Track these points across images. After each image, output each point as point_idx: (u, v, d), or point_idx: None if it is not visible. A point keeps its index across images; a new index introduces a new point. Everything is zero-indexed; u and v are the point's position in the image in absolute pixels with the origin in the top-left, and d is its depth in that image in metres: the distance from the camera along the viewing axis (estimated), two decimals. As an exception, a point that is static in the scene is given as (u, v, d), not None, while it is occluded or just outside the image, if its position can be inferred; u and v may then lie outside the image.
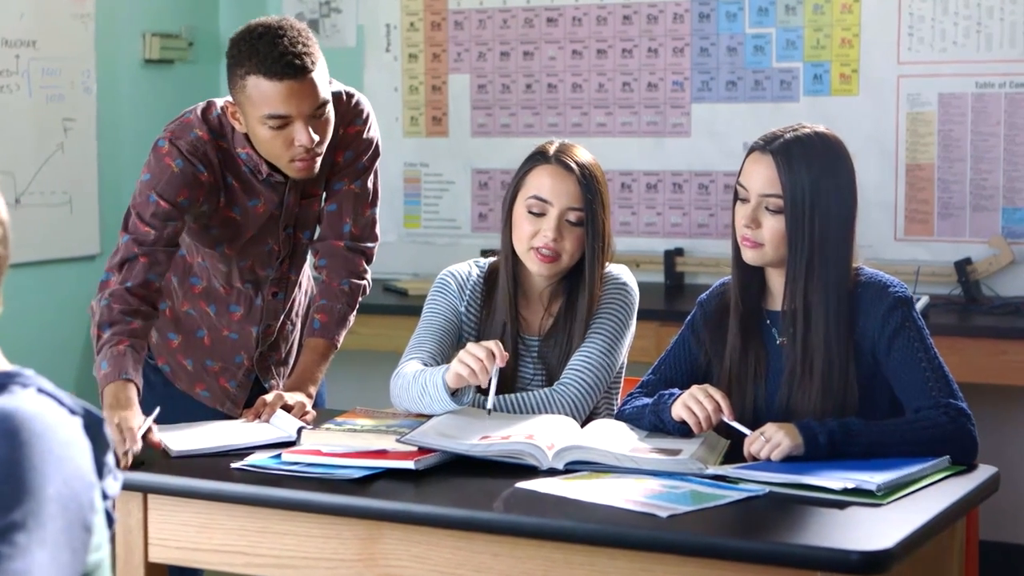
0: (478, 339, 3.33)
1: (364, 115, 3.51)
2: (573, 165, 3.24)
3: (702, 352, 3.20)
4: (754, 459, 2.91)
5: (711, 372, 3.19)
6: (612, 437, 3.04)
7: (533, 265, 3.26)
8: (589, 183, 3.23)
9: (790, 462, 2.86)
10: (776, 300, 3.12)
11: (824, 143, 3.07)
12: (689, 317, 3.25)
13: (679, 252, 5.59)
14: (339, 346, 3.56)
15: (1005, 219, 5.19)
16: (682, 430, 3.02)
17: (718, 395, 2.99)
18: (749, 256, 3.07)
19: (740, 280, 3.14)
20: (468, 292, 3.40)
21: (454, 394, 3.13)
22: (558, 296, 3.35)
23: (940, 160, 5.26)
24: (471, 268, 3.44)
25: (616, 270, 3.37)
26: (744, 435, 2.96)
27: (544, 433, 3.02)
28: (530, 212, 3.24)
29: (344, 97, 3.46)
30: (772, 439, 2.89)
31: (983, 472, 2.93)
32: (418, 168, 6.05)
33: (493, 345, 3.08)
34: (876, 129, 5.31)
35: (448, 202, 6.01)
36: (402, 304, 5.51)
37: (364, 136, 3.51)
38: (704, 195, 5.59)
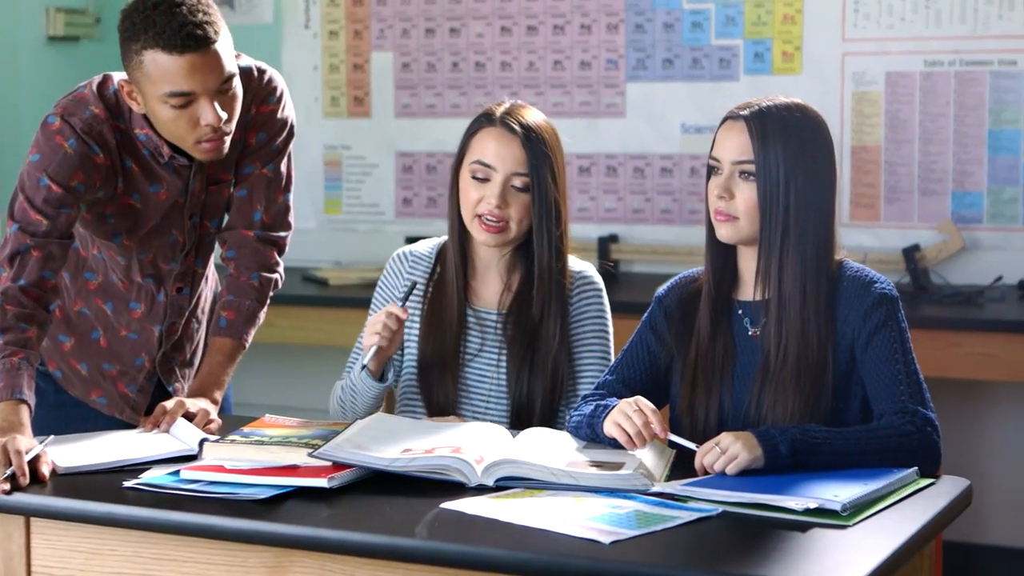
0: (424, 315, 3.23)
1: (278, 93, 3.26)
2: (518, 127, 3.11)
3: (663, 350, 3.00)
4: (706, 473, 2.66)
5: (672, 371, 2.99)
6: (547, 448, 2.77)
7: (479, 234, 3.14)
8: (535, 146, 3.10)
9: (745, 476, 2.61)
10: (749, 288, 2.92)
11: (804, 117, 2.88)
12: (646, 315, 3.05)
13: (614, 239, 5.41)
14: (247, 346, 3.29)
15: (955, 204, 5.03)
16: (617, 446, 2.78)
17: (648, 409, 2.77)
18: (723, 232, 2.87)
19: (713, 264, 2.94)
20: (412, 270, 3.27)
21: (381, 378, 3.12)
22: (516, 269, 3.21)
23: (887, 142, 5.10)
24: (427, 245, 3.32)
25: (588, 270, 3.26)
26: (692, 451, 2.71)
27: (472, 445, 2.75)
28: (474, 178, 3.13)
29: (255, 73, 3.20)
30: (728, 450, 2.64)
31: (953, 486, 2.69)
32: (339, 151, 5.84)
33: (388, 309, 3.09)
34: (820, 109, 4.91)
35: (371, 187, 5.79)
36: (322, 295, 5.29)
37: (278, 116, 3.26)
38: (640, 179, 5.38)
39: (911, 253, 4.92)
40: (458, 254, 3.20)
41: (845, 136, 5.10)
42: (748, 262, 2.90)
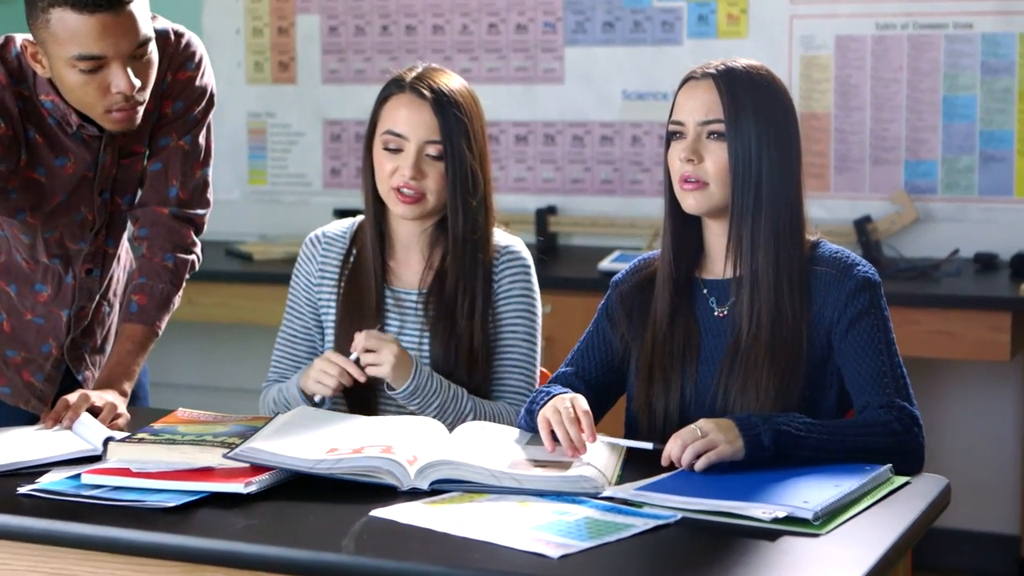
0: (340, 300, 3.00)
1: (196, 58, 3.04)
2: (428, 92, 2.92)
3: (618, 338, 2.79)
4: (673, 467, 2.43)
5: (628, 360, 2.78)
6: (487, 446, 2.53)
7: (396, 207, 2.95)
8: (447, 111, 2.91)
9: (708, 474, 2.39)
10: (715, 266, 2.73)
11: (770, 77, 2.71)
12: (603, 301, 2.85)
13: (552, 210, 5.20)
14: (161, 333, 3.06)
15: (908, 173, 4.84)
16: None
17: (580, 408, 2.54)
18: (691, 203, 2.66)
19: (674, 239, 2.72)
20: (327, 253, 3.07)
21: (321, 402, 2.93)
22: (438, 245, 3.01)
23: (837, 109, 4.91)
24: (342, 225, 3.12)
25: (515, 244, 3.04)
26: (650, 451, 2.49)
27: (404, 443, 2.51)
28: (387, 148, 2.94)
29: (172, 37, 2.99)
30: (707, 438, 2.41)
31: (931, 484, 2.47)
32: (263, 119, 5.60)
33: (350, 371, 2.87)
34: None
35: (297, 156, 5.55)
36: (247, 271, 5.08)
37: (196, 83, 3.04)
38: (579, 147, 5.18)
39: (863, 225, 4.74)
40: (374, 232, 3.01)
41: (793, 103, 4.87)
42: (715, 237, 2.70)
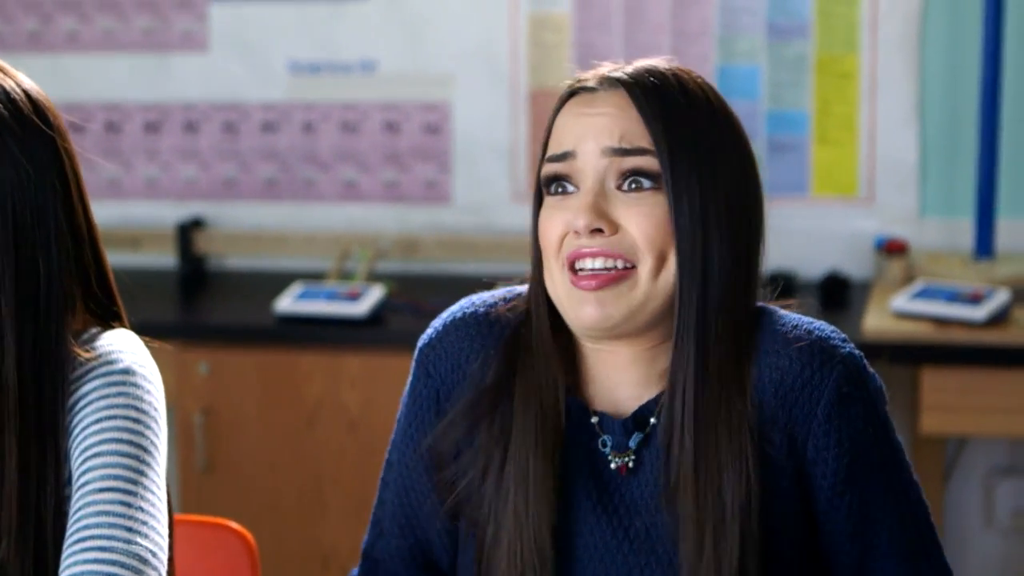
0: None
1: None
2: None
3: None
4: None
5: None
6: None
7: None
8: None
9: None
10: (613, 388, 1.78)
11: (695, 90, 1.77)
12: (407, 390, 1.86)
13: (198, 224, 4.12)
14: None
15: None
16: None
17: None
18: (592, 315, 1.69)
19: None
20: None
21: None
22: None
23: (579, 84, 3.81)
24: None
25: (118, 342, 1.80)
26: None
27: None
28: None
29: None
30: None
31: None
32: None
33: None
34: (482, 42, 3.92)
35: None
36: None
37: None
38: (232, 139, 4.12)
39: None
40: None
41: (520, 78, 3.89)
42: (617, 357, 1.78)
